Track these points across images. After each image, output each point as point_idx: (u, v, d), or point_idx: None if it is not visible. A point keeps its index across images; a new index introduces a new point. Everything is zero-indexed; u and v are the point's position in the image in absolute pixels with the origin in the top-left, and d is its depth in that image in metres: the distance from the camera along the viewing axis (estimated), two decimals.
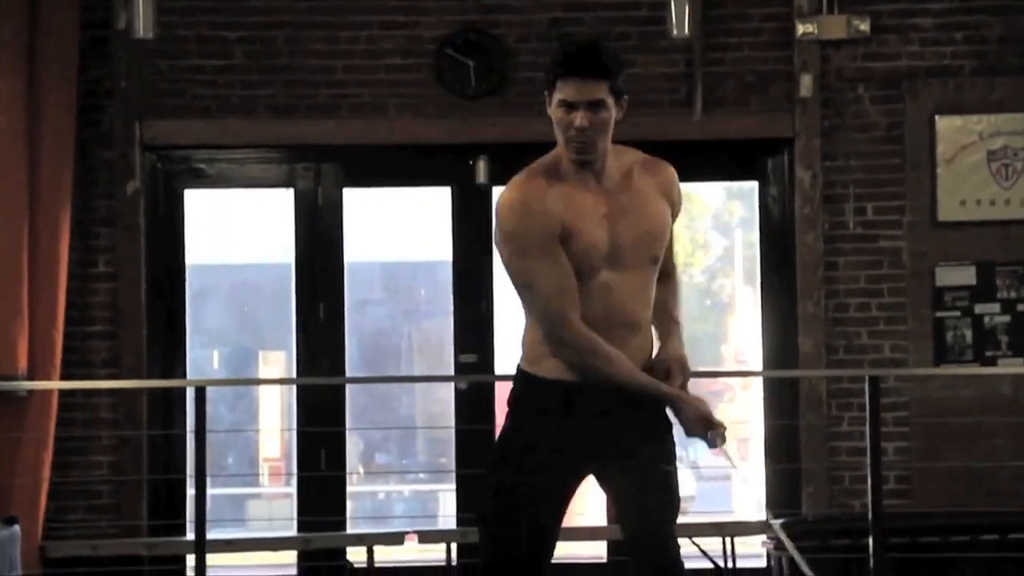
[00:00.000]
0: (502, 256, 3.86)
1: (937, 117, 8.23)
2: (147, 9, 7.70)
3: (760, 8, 8.19)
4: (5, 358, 7.87)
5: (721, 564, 8.30)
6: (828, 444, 8.26)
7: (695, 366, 6.54)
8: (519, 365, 3.94)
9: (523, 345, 3.92)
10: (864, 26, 8.02)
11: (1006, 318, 8.26)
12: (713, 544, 8.41)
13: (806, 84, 8.09)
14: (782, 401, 8.50)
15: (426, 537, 7.95)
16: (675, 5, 7.79)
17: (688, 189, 9.77)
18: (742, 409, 10.61)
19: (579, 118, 3.66)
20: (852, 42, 8.09)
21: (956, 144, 8.25)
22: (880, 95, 8.19)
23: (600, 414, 3.90)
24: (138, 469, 8.22)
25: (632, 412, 3.93)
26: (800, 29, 8.00)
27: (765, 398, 8.65)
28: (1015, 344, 8.29)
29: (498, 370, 8.25)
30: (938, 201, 8.17)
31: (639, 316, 3.98)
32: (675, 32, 7.84)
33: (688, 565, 6.56)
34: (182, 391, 8.15)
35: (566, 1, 8.20)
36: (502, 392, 7.77)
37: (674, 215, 4.00)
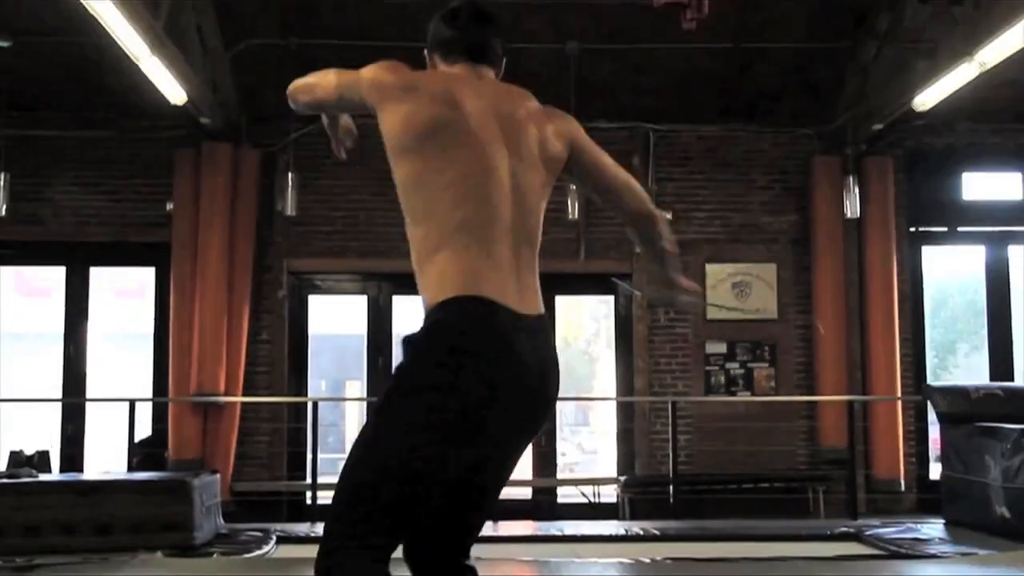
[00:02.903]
0: None
1: (707, 264, 10.63)
2: (292, 200, 10.19)
3: None
4: (213, 384, 9.94)
5: (592, 501, 10.29)
6: (650, 436, 10.35)
7: (582, 393, 8.60)
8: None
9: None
10: (668, 215, 9.76)
11: (742, 371, 10.68)
12: (587, 490, 10.32)
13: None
14: (626, 413, 10.53)
15: None
16: (570, 199, 10.07)
17: (578, 299, 12.53)
18: (604, 418, 11.46)
19: None
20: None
21: (717, 279, 10.65)
22: (680, 253, 9.64)
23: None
24: (281, 444, 10.26)
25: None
26: None
27: (617, 412, 10.70)
28: (746, 385, 10.71)
29: None
30: (707, 308, 10.33)
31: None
32: (570, 216, 10.25)
33: (571, 502, 9.23)
34: (305, 404, 9.92)
35: None
36: None
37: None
